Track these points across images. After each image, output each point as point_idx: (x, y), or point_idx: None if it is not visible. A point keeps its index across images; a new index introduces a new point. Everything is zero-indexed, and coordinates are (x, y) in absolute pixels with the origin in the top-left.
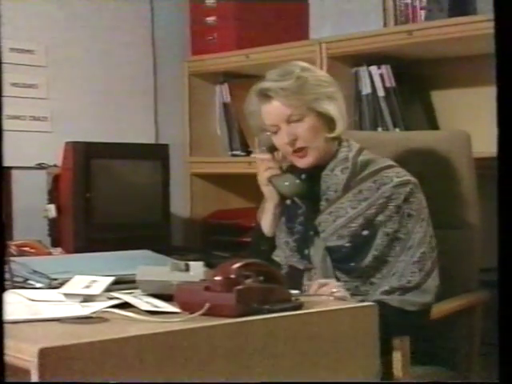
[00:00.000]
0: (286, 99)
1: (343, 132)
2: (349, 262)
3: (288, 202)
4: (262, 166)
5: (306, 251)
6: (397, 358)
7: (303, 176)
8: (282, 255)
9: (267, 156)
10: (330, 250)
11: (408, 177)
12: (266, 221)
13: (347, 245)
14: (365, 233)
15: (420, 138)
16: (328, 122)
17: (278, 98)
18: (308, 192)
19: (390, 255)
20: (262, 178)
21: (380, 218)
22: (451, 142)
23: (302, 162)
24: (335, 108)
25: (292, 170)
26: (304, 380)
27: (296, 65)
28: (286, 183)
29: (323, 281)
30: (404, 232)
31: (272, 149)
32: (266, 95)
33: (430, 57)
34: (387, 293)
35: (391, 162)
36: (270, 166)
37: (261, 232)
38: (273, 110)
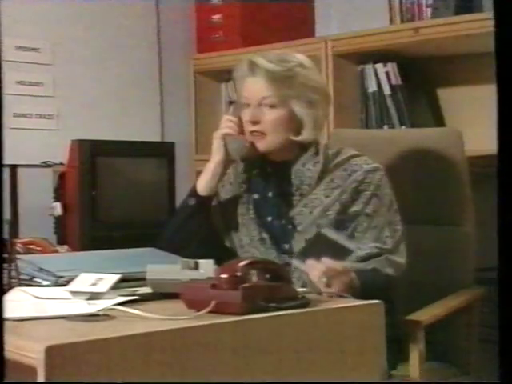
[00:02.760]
0: (269, 81)
1: (308, 140)
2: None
3: (256, 196)
4: (224, 124)
5: (286, 246)
6: (414, 357)
7: (269, 169)
8: (257, 252)
9: (233, 118)
10: (310, 242)
11: (376, 164)
12: (203, 177)
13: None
14: (341, 217)
15: (411, 136)
16: (297, 124)
17: (263, 77)
18: (278, 186)
19: (357, 231)
20: (219, 132)
21: (356, 204)
22: (443, 140)
23: (258, 144)
24: (310, 115)
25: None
26: (310, 378)
27: (297, 58)
28: (238, 143)
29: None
30: (372, 210)
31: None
32: (254, 68)
33: (436, 54)
34: (362, 259)
35: (357, 152)
36: (231, 126)
37: (194, 189)
38: (253, 85)
